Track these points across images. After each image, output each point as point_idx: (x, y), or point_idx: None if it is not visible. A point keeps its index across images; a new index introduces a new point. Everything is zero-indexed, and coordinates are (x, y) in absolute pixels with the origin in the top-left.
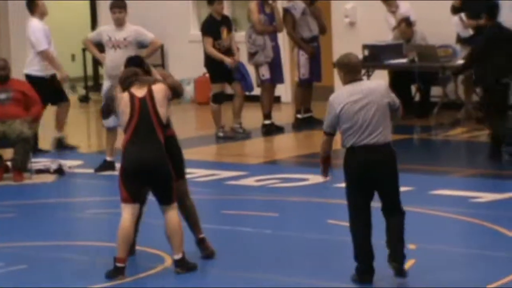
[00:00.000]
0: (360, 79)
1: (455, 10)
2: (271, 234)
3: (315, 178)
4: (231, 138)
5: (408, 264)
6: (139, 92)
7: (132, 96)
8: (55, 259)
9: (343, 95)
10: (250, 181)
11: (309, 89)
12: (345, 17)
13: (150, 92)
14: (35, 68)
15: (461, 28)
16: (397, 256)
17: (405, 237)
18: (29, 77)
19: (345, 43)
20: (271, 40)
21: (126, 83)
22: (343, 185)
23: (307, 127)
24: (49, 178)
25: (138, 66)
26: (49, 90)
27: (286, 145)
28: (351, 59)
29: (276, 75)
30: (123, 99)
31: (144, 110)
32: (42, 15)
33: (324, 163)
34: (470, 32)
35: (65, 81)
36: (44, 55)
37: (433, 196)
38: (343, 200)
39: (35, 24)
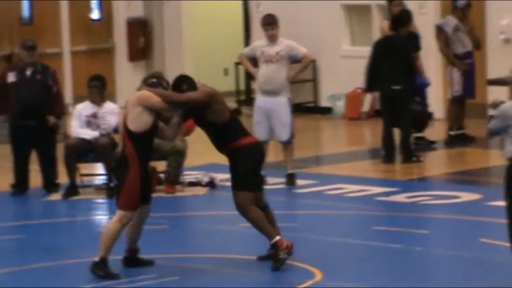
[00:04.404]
0: None
1: None
2: (422, 251)
3: (467, 196)
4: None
5: None
6: None
7: None
8: (206, 271)
9: None
10: (401, 198)
11: (462, 105)
12: (500, 33)
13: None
14: None
15: None
16: None
17: None
18: None
19: (500, 60)
20: None
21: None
22: (497, 203)
23: (460, 144)
24: (201, 191)
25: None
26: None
27: (438, 161)
28: None
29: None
30: None
31: None
32: None
33: None
34: None
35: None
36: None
37: None
38: (496, 218)
39: None
